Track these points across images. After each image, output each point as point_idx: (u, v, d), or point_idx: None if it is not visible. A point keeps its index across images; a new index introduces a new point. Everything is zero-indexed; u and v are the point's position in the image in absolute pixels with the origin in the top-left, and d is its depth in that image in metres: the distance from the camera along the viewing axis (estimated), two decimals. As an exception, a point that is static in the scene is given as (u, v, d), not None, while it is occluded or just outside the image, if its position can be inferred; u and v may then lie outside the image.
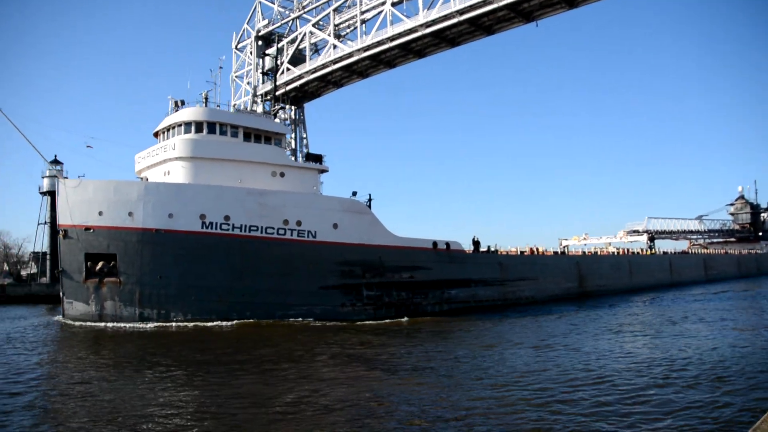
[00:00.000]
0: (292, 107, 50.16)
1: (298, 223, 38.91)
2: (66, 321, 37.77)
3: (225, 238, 37.09)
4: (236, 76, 51.54)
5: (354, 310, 40.59)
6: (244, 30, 52.12)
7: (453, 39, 46.68)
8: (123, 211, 36.68)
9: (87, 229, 37.08)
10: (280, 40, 49.64)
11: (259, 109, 49.03)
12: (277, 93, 47.03)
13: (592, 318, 39.51)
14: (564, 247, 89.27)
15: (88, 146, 39.41)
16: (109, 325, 35.79)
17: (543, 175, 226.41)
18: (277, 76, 47.07)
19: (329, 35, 43.91)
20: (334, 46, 43.48)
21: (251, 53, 50.06)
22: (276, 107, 49.50)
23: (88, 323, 36.49)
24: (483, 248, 53.60)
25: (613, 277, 67.17)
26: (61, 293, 38.48)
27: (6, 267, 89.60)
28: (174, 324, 35.87)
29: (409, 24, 43.90)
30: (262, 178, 40.53)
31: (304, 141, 51.03)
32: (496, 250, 54.98)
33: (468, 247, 51.54)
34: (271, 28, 49.93)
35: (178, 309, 36.78)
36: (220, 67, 44.51)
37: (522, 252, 59.57)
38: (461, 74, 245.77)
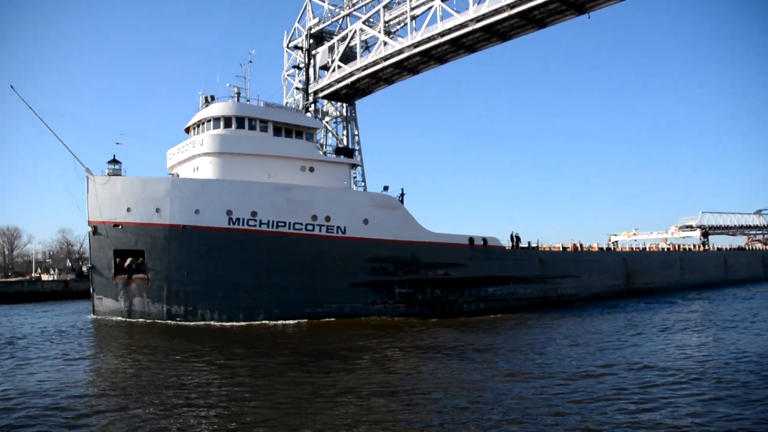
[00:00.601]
0: (344, 104, 49.46)
1: (327, 219, 37.69)
2: (96, 317, 37.74)
3: (252, 234, 36.21)
4: (288, 75, 51.32)
5: (385, 308, 39.14)
6: (295, 29, 52.23)
7: (504, 33, 45.40)
8: (150, 207, 36.30)
9: (116, 225, 36.90)
10: (330, 38, 49.06)
11: (311, 107, 48.46)
12: (329, 90, 46.41)
13: (647, 316, 36.83)
14: (613, 242, 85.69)
15: (117, 143, 39.30)
16: (158, 321, 35.68)
17: (590, 170, 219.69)
18: (329, 73, 46.48)
19: (379, 32, 43.25)
20: (385, 43, 42.84)
21: (302, 52, 49.70)
22: (307, 102, 48.47)
23: (141, 320, 36.34)
24: (523, 244, 51.31)
25: (662, 275, 63.59)
26: (91, 289, 38.48)
27: (69, 263, 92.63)
28: (219, 323, 35.35)
29: (459, 19, 42.90)
30: (292, 173, 39.47)
31: (356, 138, 50.22)
32: (537, 246, 52.52)
33: (507, 243, 49.39)
34: (321, 26, 49.82)
35: (206, 306, 36.18)
36: (250, 62, 43.59)
37: (565, 248, 56.85)
38: (503, 70, 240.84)
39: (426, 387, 17.64)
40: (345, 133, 50.49)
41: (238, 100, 42.04)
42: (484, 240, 45.57)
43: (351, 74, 45.24)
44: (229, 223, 36.09)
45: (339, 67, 46.04)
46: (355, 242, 38.37)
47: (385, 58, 43.41)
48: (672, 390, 16.61)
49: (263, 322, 35.62)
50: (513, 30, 44.83)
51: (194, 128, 41.78)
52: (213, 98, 42.32)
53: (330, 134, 50.83)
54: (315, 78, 49.18)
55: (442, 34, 41.98)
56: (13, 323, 38.60)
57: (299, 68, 49.66)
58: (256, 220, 36.37)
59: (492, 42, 44.90)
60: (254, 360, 23.31)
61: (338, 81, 46.33)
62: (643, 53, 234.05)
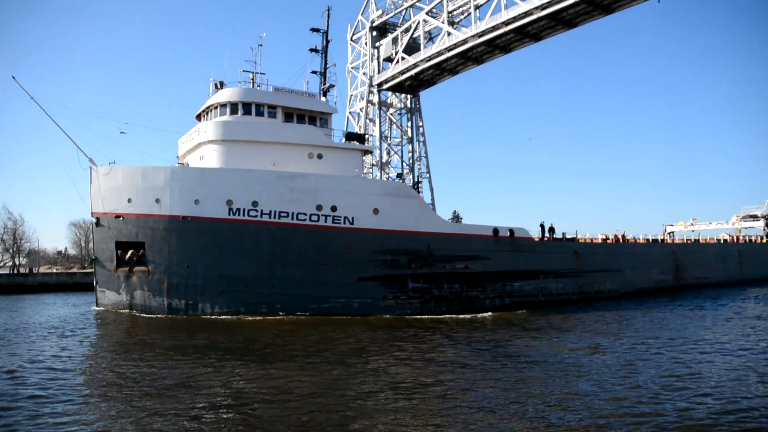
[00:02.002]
0: (408, 96, 48.31)
1: (333, 209, 35.34)
2: (98, 309, 36.92)
3: (252, 224, 34.33)
4: (352, 67, 50.62)
5: (397, 304, 36.51)
6: (358, 21, 51.42)
7: (570, 20, 43.13)
8: (150, 197, 35.01)
9: (117, 216, 35.84)
10: (394, 30, 47.84)
11: (375, 99, 46.94)
12: (393, 82, 45.45)
13: (699, 315, 32.69)
14: (669, 233, 79.64)
15: (122, 132, 38.53)
16: (169, 316, 34.27)
17: (645, 157, 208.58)
18: (393, 65, 45.56)
19: (443, 22, 42.19)
20: (448, 34, 41.56)
21: (366, 44, 48.96)
22: (326, 86, 46.27)
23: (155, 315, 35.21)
24: (557, 235, 47.46)
25: (717, 268, 58.02)
26: (94, 282, 37.68)
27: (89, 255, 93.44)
28: (221, 317, 33.74)
29: (523, 7, 40.97)
30: (298, 161, 37.29)
31: (420, 129, 48.94)
32: (573, 238, 48.47)
33: (537, 233, 45.74)
34: (384, 18, 48.78)
35: (206, 300, 34.66)
36: (260, 45, 41.80)
37: (606, 239, 52.42)
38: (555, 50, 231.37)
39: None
40: (409, 124, 49.11)
41: (252, 86, 40.33)
42: (511, 231, 42.14)
43: (415, 65, 44.51)
44: (229, 214, 34.35)
45: (403, 58, 45.02)
46: (363, 233, 35.88)
47: (449, 49, 42.53)
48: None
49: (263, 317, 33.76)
50: (579, 17, 43.07)
51: (204, 115, 40.38)
52: (222, 84, 40.72)
53: (394, 126, 49.46)
54: (379, 70, 48.03)
55: (506, 23, 40.69)
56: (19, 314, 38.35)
57: (317, 51, 47.46)
58: (257, 210, 34.46)
59: (557, 30, 43.02)
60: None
61: (402, 72, 45.74)
62: (707, 31, 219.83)
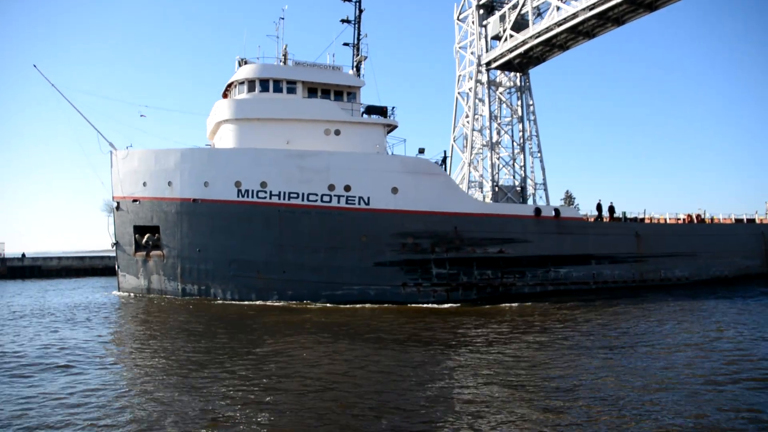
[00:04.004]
0: (517, 74, 46.43)
1: (347, 188, 32.79)
2: (121, 294, 36.90)
3: (261, 206, 32.56)
4: (459, 47, 49.10)
5: (419, 292, 33.49)
6: (464, 0, 49.19)
7: None
8: (163, 180, 34.23)
9: (134, 200, 35.43)
10: (501, 7, 45.88)
11: (484, 78, 45.97)
12: (501, 60, 44.06)
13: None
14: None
15: (142, 115, 38.15)
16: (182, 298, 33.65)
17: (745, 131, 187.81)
18: (501, 43, 44.01)
19: None
20: (557, 8, 38.81)
21: (473, 23, 47.52)
22: (359, 56, 43.70)
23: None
24: (618, 215, 42.18)
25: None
26: (116, 266, 37.68)
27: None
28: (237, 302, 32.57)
29: None
30: (315, 138, 35.00)
31: (531, 108, 46.97)
32: (634, 218, 42.90)
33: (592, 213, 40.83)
34: None
35: (218, 285, 33.48)
36: (282, 18, 39.78)
37: (681, 219, 46.08)
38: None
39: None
40: (519, 103, 47.29)
41: (284, 61, 38.57)
42: (556, 210, 37.71)
43: (523, 42, 42.20)
44: (237, 196, 32.80)
45: (511, 36, 42.69)
46: (380, 215, 33.08)
47: (559, 24, 39.64)
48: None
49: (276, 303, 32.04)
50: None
51: (228, 94, 39.18)
52: (245, 62, 39.20)
53: (504, 105, 47.56)
54: (487, 49, 46.42)
55: None
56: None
57: (349, 22, 44.84)
58: (266, 192, 32.63)
59: None
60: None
61: (510, 50, 43.35)
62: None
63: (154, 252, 35.02)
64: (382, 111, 36.48)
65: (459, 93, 49.31)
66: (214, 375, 15.52)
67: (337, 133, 35.27)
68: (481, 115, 46.66)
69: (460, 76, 49.47)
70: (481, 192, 45.46)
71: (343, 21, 45.22)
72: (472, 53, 47.65)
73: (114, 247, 37.13)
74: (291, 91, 36.19)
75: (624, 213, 42.37)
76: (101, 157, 38.25)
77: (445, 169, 36.02)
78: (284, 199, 32.57)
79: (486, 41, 46.98)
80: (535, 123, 47.51)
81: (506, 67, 46.01)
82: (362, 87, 39.41)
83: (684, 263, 42.13)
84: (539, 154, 47.26)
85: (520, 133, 47.16)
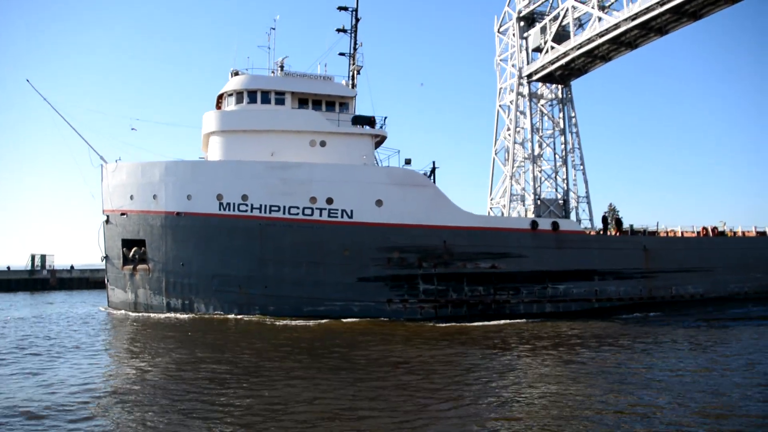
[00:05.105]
0: (558, 86, 46.26)
1: (329, 201, 31.92)
2: (109, 309, 36.81)
3: (242, 220, 31.99)
4: (500, 60, 49.09)
5: (405, 309, 32.25)
6: (505, 13, 49.80)
7: None
8: (149, 193, 34.06)
9: (122, 214, 35.36)
10: (542, 19, 45.84)
11: (525, 90, 45.87)
12: (543, 72, 43.91)
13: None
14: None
15: (132, 129, 37.89)
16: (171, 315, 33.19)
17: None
18: (542, 55, 43.89)
19: (593, 8, 39.14)
20: (599, 19, 38.34)
21: (513, 35, 47.71)
22: (355, 66, 43.05)
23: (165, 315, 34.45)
24: (626, 229, 40.09)
25: None
26: (106, 280, 37.65)
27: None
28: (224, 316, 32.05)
29: None
30: (300, 149, 34.30)
31: (573, 120, 46.81)
32: (642, 231, 40.63)
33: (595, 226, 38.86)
34: (532, 7, 47.01)
35: (201, 300, 32.98)
36: (273, 28, 39.46)
37: (698, 233, 43.40)
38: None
39: None
40: (561, 115, 47.07)
41: (281, 71, 38.19)
42: (554, 224, 35.96)
43: (565, 54, 42.11)
44: (219, 209, 32.32)
45: (552, 47, 42.51)
46: (364, 228, 32.07)
47: (601, 35, 39.38)
48: None
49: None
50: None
51: (220, 106, 39.03)
52: (237, 73, 39.00)
53: (546, 117, 47.29)
54: (528, 61, 46.23)
55: (661, 3, 35.99)
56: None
57: (345, 31, 44.24)
58: (247, 205, 32.05)
59: (719, 5, 37.24)
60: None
61: (552, 62, 42.99)
62: None
63: (140, 266, 34.81)
64: (369, 121, 35.55)
65: (500, 106, 48.85)
66: None
67: (323, 144, 34.50)
68: (522, 128, 46.12)
69: (501, 88, 49.11)
70: (523, 205, 44.48)
71: (338, 30, 44.61)
72: (513, 65, 47.36)
73: (103, 261, 37.12)
74: (279, 102, 35.70)
75: (631, 226, 40.20)
76: (93, 171, 38.34)
77: (434, 181, 34.71)
78: (265, 212, 31.93)
79: (527, 53, 46.80)
80: (578, 135, 47.02)
81: (548, 79, 45.71)
82: (356, 97, 38.74)
83: (698, 279, 39.59)
84: (582, 167, 46.52)
85: (563, 146, 46.68)
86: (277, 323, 29.53)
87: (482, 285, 33.56)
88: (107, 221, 36.29)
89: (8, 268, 74.92)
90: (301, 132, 34.39)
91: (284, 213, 31.86)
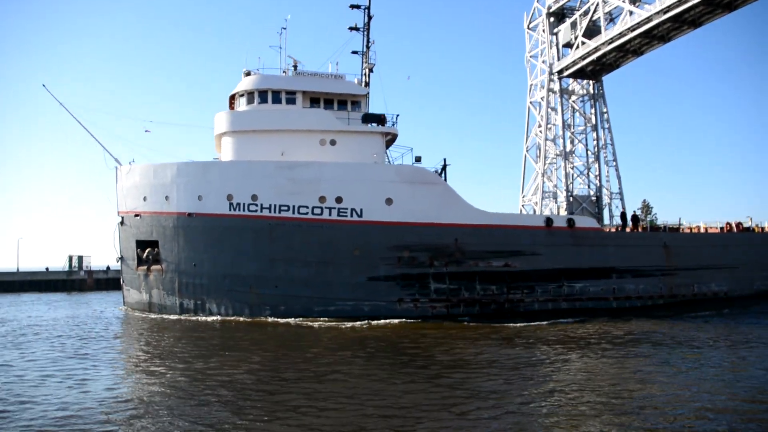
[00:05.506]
0: (590, 81, 46.16)
1: (338, 200, 31.71)
2: (126, 309, 37.24)
3: (252, 220, 31.97)
4: (530, 56, 49.16)
5: (416, 308, 31.87)
6: (534, 8, 50.00)
7: None
8: (161, 195, 34.31)
9: (136, 215, 35.71)
10: (572, 14, 45.83)
11: (556, 86, 45.83)
12: (574, 68, 43.86)
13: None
14: None
15: (146, 131, 38.16)
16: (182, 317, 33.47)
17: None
18: (573, 51, 43.88)
19: (624, 1, 38.92)
20: (630, 13, 38.17)
21: (543, 31, 47.81)
22: (367, 64, 42.78)
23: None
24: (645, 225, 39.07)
25: None
26: (121, 280, 38.08)
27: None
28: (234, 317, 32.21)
29: None
30: (310, 148, 34.15)
31: (605, 116, 46.91)
32: (662, 227, 39.53)
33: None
34: (561, 2, 47.02)
35: (212, 300, 33.07)
36: (284, 28, 39.43)
37: (721, 229, 42.07)
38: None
39: None
40: (593, 111, 46.95)
41: (295, 70, 38.17)
42: (570, 221, 35.15)
43: (596, 49, 42.07)
44: (229, 209, 32.37)
45: (583, 43, 42.44)
46: (373, 227, 31.77)
47: (632, 29, 39.20)
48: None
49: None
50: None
51: (233, 106, 39.17)
52: (249, 73, 39.08)
53: (577, 113, 47.21)
54: (558, 57, 46.22)
55: None
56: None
57: (357, 29, 43.94)
58: (256, 205, 32.04)
59: None
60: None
61: (583, 57, 42.96)
62: None
63: (154, 266, 35.09)
64: (379, 119, 35.23)
65: (531, 102, 48.57)
66: None
67: (333, 143, 34.30)
68: (554, 125, 45.84)
69: (531, 85, 48.79)
70: (556, 202, 44.00)
71: (351, 29, 44.34)
72: (543, 62, 47.04)
73: (119, 262, 37.56)
74: (290, 101, 35.61)
75: (651, 222, 39.17)
76: (109, 173, 38.89)
77: (445, 178, 34.25)
78: (275, 212, 31.87)
79: (557, 49, 46.48)
80: (610, 131, 46.59)
81: (579, 74, 45.34)
82: (369, 96, 38.48)
83: (722, 276, 38.33)
84: (614, 163, 46.12)
85: (595, 142, 46.40)
86: (314, 325, 29.48)
87: (495, 284, 32.98)
88: (122, 223, 36.71)
89: (47, 269, 77.02)
90: (311, 131, 34.25)
91: (293, 213, 31.75)
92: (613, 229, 38.14)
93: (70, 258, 70.45)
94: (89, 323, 32.12)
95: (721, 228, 41.05)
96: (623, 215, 38.83)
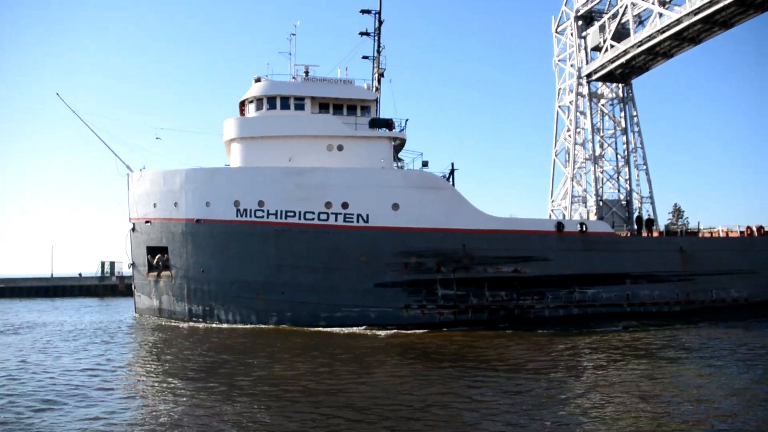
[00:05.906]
0: (619, 85, 46.08)
1: (344, 206, 31.54)
2: (136, 315, 37.56)
3: (258, 225, 31.97)
4: (558, 60, 49.29)
5: (423, 314, 31.50)
6: (562, 12, 50.11)
7: None
8: (170, 201, 34.57)
9: (147, 222, 36.03)
10: (600, 17, 45.83)
11: (585, 90, 45.74)
12: (603, 72, 43.67)
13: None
14: None
15: (157, 138, 38.51)
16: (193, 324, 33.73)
17: None
18: (601, 54, 43.71)
19: (653, 4, 38.62)
20: (660, 15, 37.97)
21: (572, 35, 47.95)
22: (378, 69, 42.63)
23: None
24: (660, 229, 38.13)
25: None
26: (133, 287, 38.42)
27: None
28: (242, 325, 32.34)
29: None
30: (317, 154, 34.08)
31: (635, 119, 46.69)
32: (678, 231, 38.56)
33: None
34: (590, 5, 46.98)
35: (220, 306, 33.16)
36: (293, 34, 39.52)
37: (741, 233, 40.85)
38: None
39: None
40: (622, 114, 46.71)
41: (306, 77, 38.25)
42: (582, 225, 34.45)
43: (625, 52, 41.93)
44: (236, 215, 32.44)
45: (612, 46, 42.39)
46: (380, 232, 31.52)
47: (662, 31, 38.79)
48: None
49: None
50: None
51: (243, 112, 39.38)
52: (259, 79, 39.24)
53: (606, 117, 47.10)
54: (587, 61, 46.05)
55: None
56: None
57: (368, 34, 43.83)
58: (263, 211, 32.04)
59: None
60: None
61: (612, 61, 42.65)
62: None
63: (164, 272, 35.34)
64: (387, 124, 35.00)
65: (559, 107, 48.27)
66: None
67: (340, 148, 34.18)
68: (583, 129, 45.52)
69: (560, 89, 48.50)
70: (585, 207, 43.47)
71: (361, 34, 44.22)
72: (571, 65, 46.78)
73: (130, 268, 37.92)
74: (299, 107, 35.63)
75: (666, 226, 38.20)
76: (120, 180, 39.36)
77: (453, 183, 33.86)
78: (281, 217, 31.83)
79: (586, 53, 46.19)
80: (640, 135, 46.08)
81: (608, 78, 44.95)
82: (379, 101, 38.32)
83: (741, 282, 37.21)
84: (645, 167, 45.55)
85: (624, 146, 45.99)
86: (333, 332, 29.55)
87: (504, 290, 32.46)
88: (133, 229, 37.08)
89: (80, 275, 78.63)
90: (318, 137, 34.18)
91: (300, 218, 31.68)
92: (627, 234, 37.24)
93: (103, 264, 72.06)
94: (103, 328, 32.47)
95: (741, 232, 39.84)
96: (638, 219, 37.95)
